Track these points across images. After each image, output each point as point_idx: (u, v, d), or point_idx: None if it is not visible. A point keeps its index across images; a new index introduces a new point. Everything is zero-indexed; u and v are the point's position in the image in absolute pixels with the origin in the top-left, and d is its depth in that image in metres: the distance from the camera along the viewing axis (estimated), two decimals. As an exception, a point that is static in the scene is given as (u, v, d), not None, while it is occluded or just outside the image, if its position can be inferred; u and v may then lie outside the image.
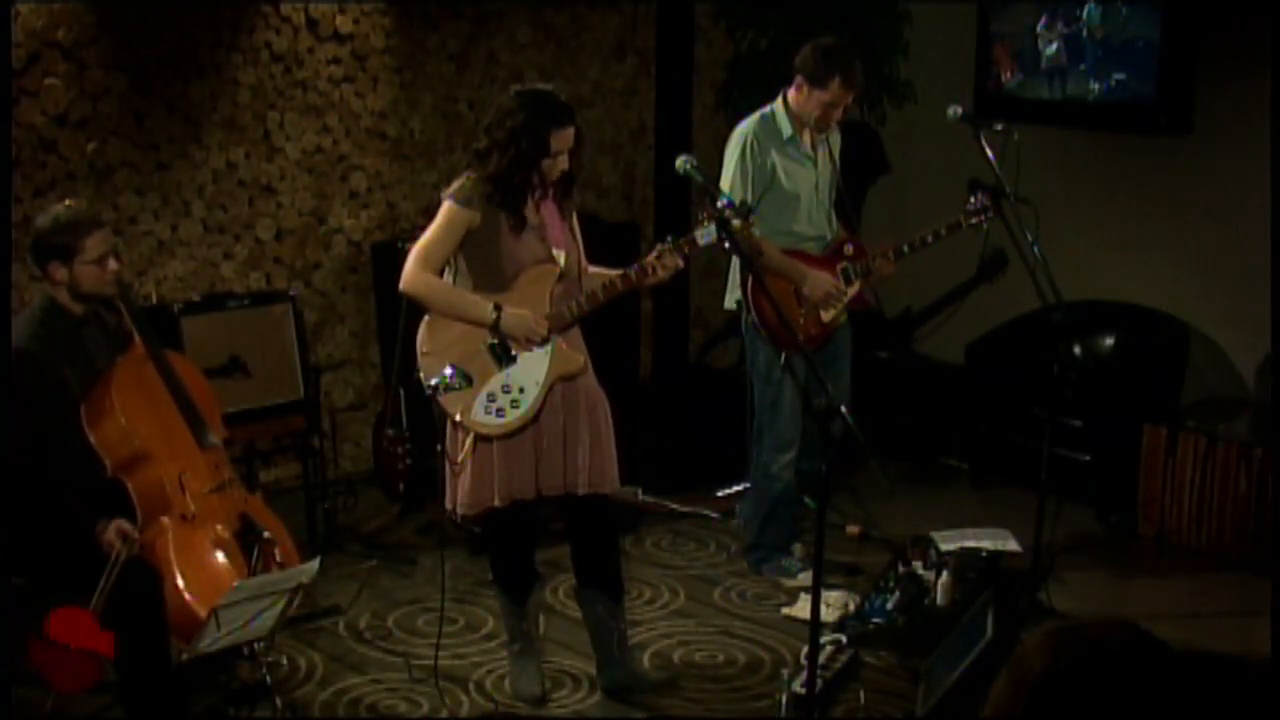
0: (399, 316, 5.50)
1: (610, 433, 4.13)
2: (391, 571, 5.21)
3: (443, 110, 6.32)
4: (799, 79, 4.84)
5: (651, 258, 4.05)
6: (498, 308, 3.92)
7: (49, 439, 3.70)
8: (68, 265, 3.75)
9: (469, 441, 3.97)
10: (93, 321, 3.88)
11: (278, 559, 3.91)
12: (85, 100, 5.29)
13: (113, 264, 3.82)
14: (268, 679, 4.06)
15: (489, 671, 4.43)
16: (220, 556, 3.85)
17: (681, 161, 3.90)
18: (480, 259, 3.97)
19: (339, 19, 5.92)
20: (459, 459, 3.96)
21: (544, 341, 3.99)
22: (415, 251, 3.97)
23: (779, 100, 4.93)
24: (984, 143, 4.73)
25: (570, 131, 3.92)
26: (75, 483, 3.72)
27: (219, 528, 3.89)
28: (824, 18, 6.21)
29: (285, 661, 4.42)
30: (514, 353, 3.98)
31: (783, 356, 4.88)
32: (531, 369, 3.98)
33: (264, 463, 5.80)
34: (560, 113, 3.91)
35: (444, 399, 3.91)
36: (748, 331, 5.01)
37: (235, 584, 3.65)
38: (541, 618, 4.73)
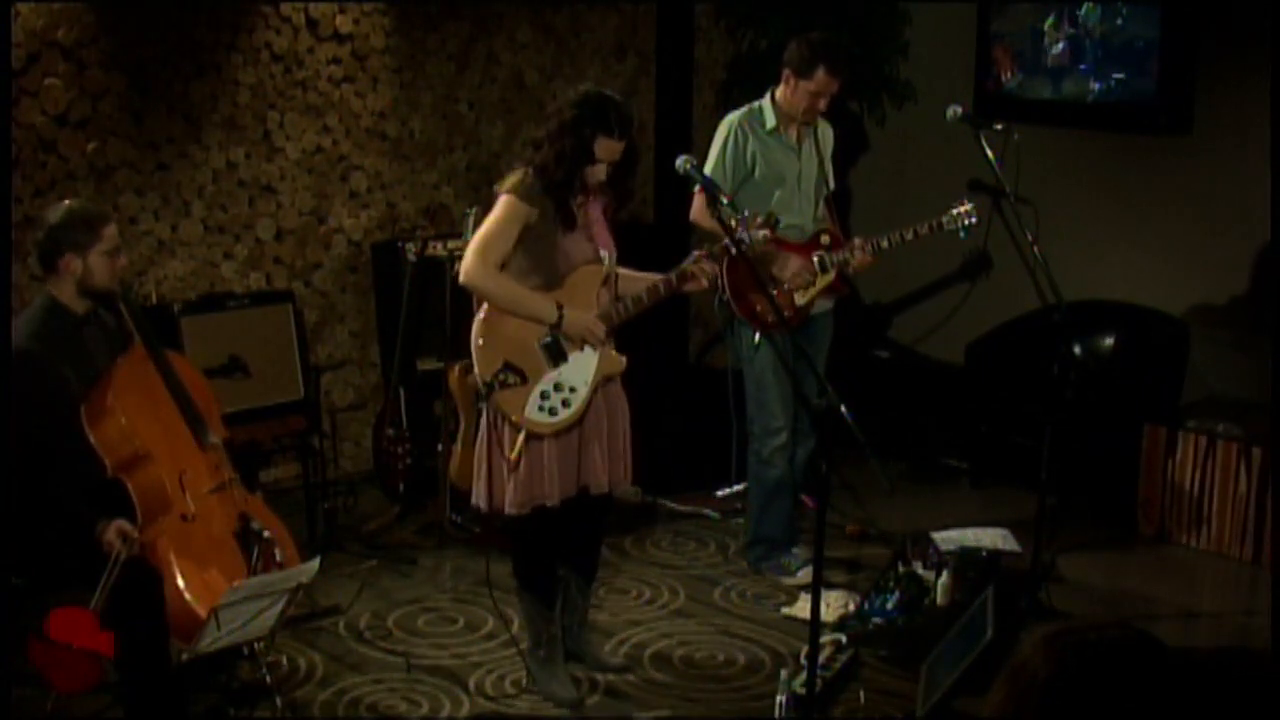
0: (399, 316, 5.55)
1: (629, 431, 4.21)
2: (391, 571, 5.21)
3: (443, 110, 6.33)
4: (786, 72, 4.94)
5: (689, 264, 4.10)
6: (560, 307, 3.92)
7: (49, 439, 3.70)
8: (84, 256, 3.75)
9: (520, 440, 3.96)
10: (93, 321, 3.89)
11: (278, 559, 3.91)
12: (85, 100, 5.29)
13: (121, 258, 3.84)
14: (268, 679, 4.06)
15: (489, 671, 4.43)
16: (220, 556, 3.85)
17: (681, 161, 3.90)
18: (535, 255, 3.95)
19: (339, 19, 5.93)
20: (511, 455, 3.95)
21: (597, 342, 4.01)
22: (475, 245, 3.93)
23: (767, 95, 5.02)
24: (984, 143, 4.74)
25: (619, 145, 3.92)
26: (75, 483, 3.72)
27: (219, 528, 3.89)
28: (824, 18, 6.22)
29: (285, 661, 4.43)
30: (566, 352, 3.99)
31: (756, 335, 4.92)
32: (581, 369, 4.00)
33: (264, 463, 5.80)
34: (613, 123, 3.89)
35: (499, 396, 3.92)
36: (721, 310, 5.03)
37: (235, 584, 3.65)
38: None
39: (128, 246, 5.37)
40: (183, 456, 3.88)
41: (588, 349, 4.01)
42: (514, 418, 3.95)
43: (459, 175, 6.44)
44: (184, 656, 3.66)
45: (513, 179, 3.95)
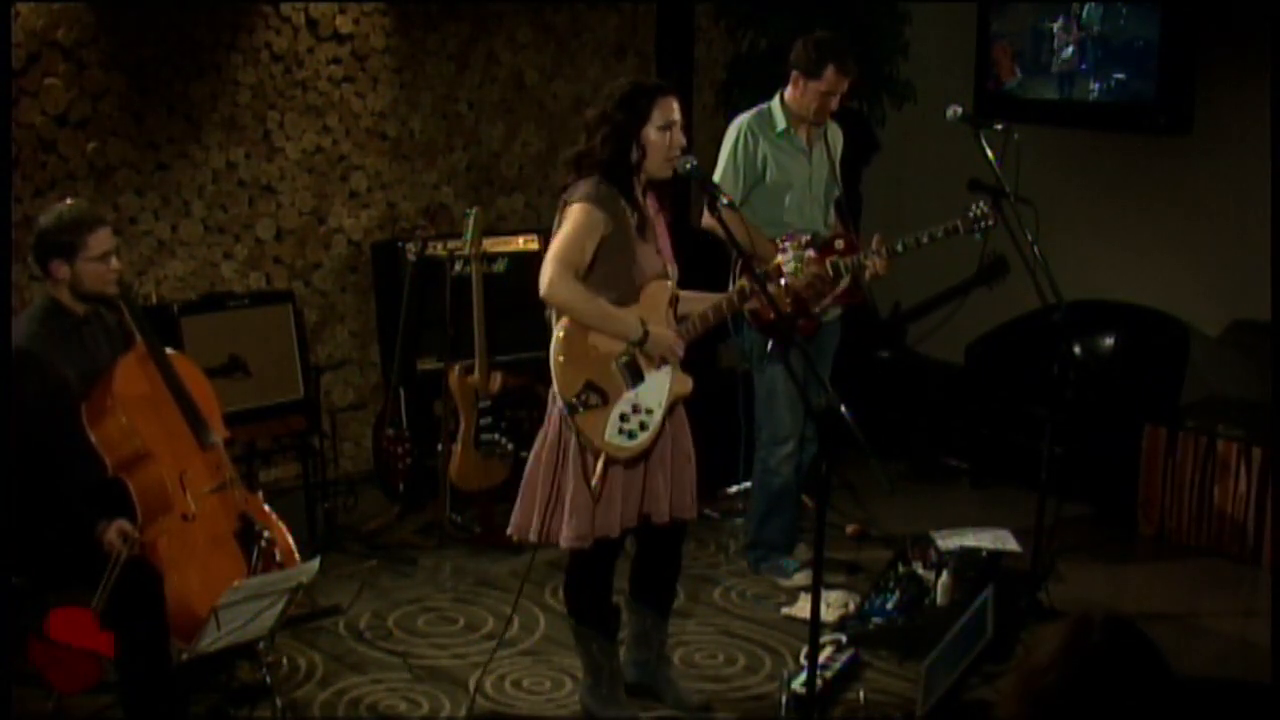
0: (399, 316, 5.55)
1: (693, 456, 4.01)
2: (391, 571, 5.21)
3: (443, 110, 6.32)
4: (794, 74, 4.91)
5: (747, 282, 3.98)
6: (644, 324, 3.73)
7: (50, 438, 3.69)
8: (70, 263, 3.74)
9: (602, 465, 3.73)
10: (93, 321, 3.88)
11: (278, 559, 3.91)
12: (85, 100, 5.29)
13: (115, 263, 3.82)
14: (268, 679, 4.05)
15: (489, 671, 4.43)
16: (220, 556, 3.85)
17: (681, 162, 3.89)
18: (611, 267, 3.75)
19: (339, 19, 5.93)
20: (594, 482, 3.73)
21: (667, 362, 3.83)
22: (553, 256, 3.68)
23: (776, 98, 5.00)
24: (984, 143, 4.73)
25: (675, 102, 3.73)
26: (76, 482, 3.71)
27: (220, 527, 3.89)
28: (824, 18, 6.21)
29: (285, 661, 4.43)
30: (643, 371, 3.80)
31: (769, 345, 4.90)
32: (656, 389, 3.80)
33: (264, 463, 5.80)
34: (657, 83, 3.78)
35: (580, 419, 3.70)
36: (734, 320, 5.01)
37: (235, 584, 3.65)
38: (543, 618, 4.73)
39: (128, 246, 5.38)
40: (183, 456, 3.88)
41: (662, 369, 3.81)
42: (596, 442, 3.71)
43: (459, 175, 6.44)
44: (184, 656, 3.66)
45: (583, 188, 3.74)
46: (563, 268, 3.66)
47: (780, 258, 3.91)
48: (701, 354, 4.11)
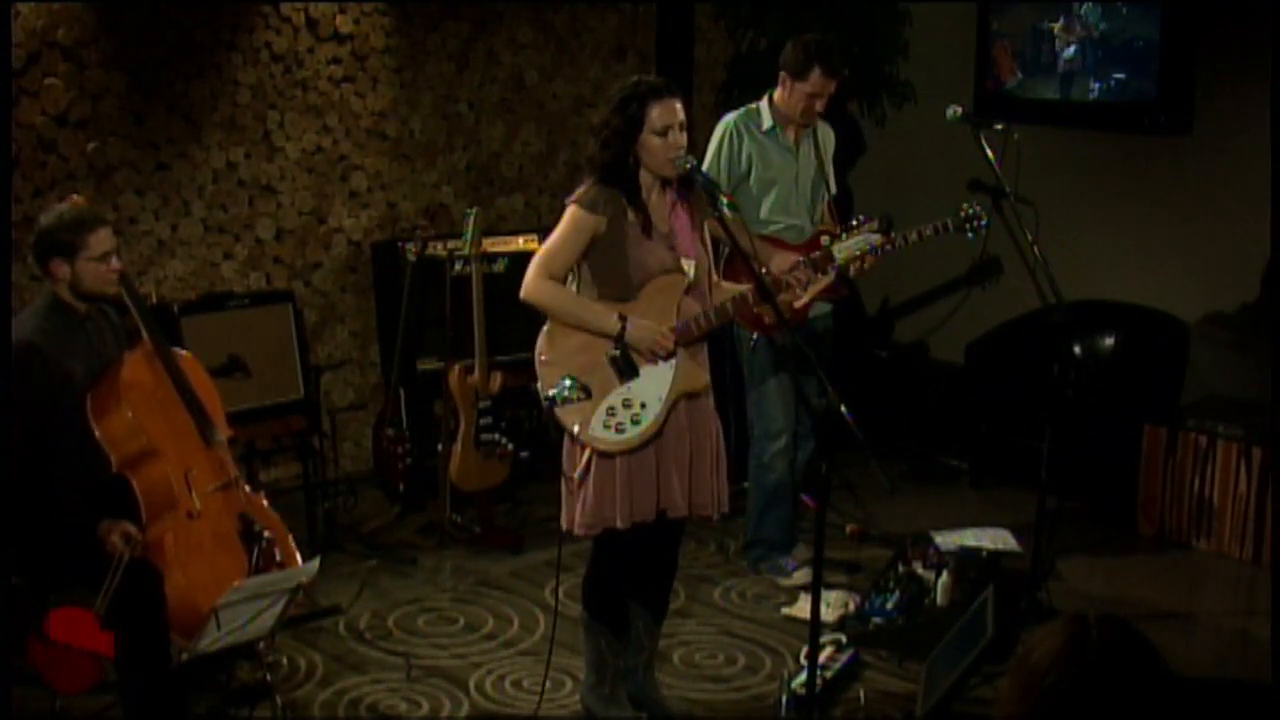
0: (399, 316, 5.55)
1: (724, 455, 3.98)
2: (391, 571, 5.21)
3: (443, 110, 6.33)
4: (782, 75, 4.95)
5: (784, 271, 3.98)
6: (623, 318, 3.71)
7: (54, 433, 3.69)
8: (70, 262, 3.74)
9: (586, 457, 3.75)
10: (97, 318, 3.88)
11: (278, 559, 3.91)
12: (85, 100, 5.29)
13: (115, 262, 3.81)
14: (268, 679, 4.05)
15: (489, 671, 4.43)
16: (224, 554, 3.86)
17: (681, 161, 3.89)
18: (606, 266, 3.75)
19: (339, 19, 5.93)
20: (574, 474, 3.75)
21: (669, 355, 3.78)
22: (537, 258, 3.75)
23: (765, 98, 5.03)
24: (984, 143, 4.73)
25: (675, 104, 3.68)
26: (78, 480, 3.71)
27: (223, 526, 3.89)
28: (824, 18, 6.21)
29: (285, 661, 4.43)
30: (637, 366, 3.76)
31: (753, 339, 4.91)
32: (655, 384, 3.76)
33: (264, 463, 5.80)
34: (655, 86, 3.71)
35: (560, 412, 3.71)
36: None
37: (236, 584, 3.65)
38: (543, 618, 4.73)
39: (128, 246, 5.39)
40: (189, 453, 3.88)
41: (663, 363, 3.77)
42: (575, 430, 3.73)
43: (459, 175, 6.44)
44: (184, 656, 3.66)
45: (578, 191, 3.76)
46: (541, 269, 3.74)
47: (838, 241, 3.99)
48: (713, 350, 4.10)
